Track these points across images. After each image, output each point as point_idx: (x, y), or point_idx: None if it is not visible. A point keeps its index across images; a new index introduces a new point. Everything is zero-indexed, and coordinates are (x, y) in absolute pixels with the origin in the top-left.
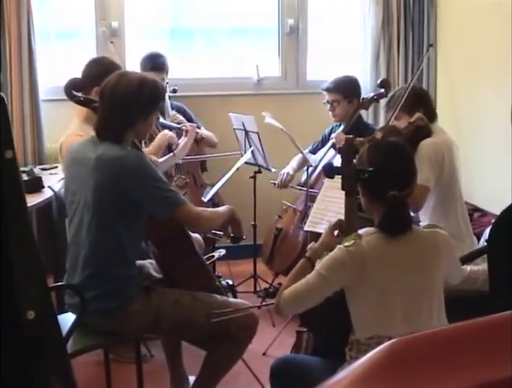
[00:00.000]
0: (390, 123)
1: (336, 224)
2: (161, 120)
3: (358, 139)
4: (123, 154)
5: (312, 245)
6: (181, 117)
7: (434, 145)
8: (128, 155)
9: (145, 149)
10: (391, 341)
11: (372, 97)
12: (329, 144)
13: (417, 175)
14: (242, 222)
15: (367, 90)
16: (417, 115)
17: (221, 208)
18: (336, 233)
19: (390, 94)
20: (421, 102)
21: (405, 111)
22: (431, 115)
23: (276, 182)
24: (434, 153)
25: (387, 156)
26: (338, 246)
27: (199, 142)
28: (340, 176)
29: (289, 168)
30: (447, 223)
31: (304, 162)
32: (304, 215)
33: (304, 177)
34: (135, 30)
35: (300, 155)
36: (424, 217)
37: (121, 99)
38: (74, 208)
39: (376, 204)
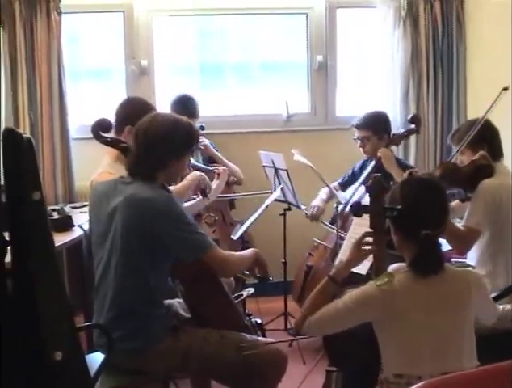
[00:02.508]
0: (455, 158)
1: (361, 238)
2: (193, 161)
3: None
4: (152, 196)
5: (337, 263)
6: (206, 141)
7: (493, 187)
8: (158, 197)
9: (173, 187)
10: (422, 383)
11: (403, 133)
12: (360, 180)
13: (470, 217)
14: (267, 263)
15: (396, 126)
16: (481, 153)
17: (247, 252)
18: (365, 243)
19: (455, 128)
20: (486, 138)
21: (470, 146)
22: (496, 154)
23: (308, 214)
24: (492, 196)
25: (419, 193)
26: (370, 282)
27: (231, 185)
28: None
29: (319, 201)
30: (495, 266)
31: (332, 195)
32: (335, 252)
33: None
34: (164, 67)
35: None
36: (472, 256)
37: (155, 138)
38: (102, 250)
39: (408, 243)
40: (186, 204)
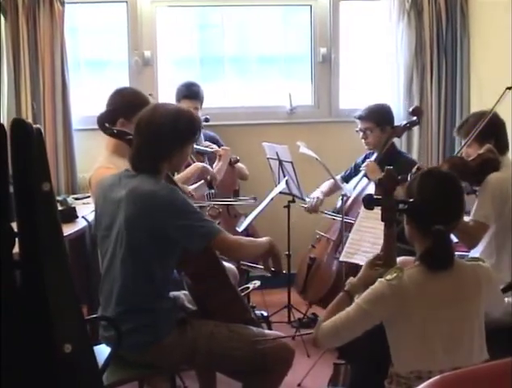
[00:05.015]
0: (462, 150)
1: (375, 258)
2: (194, 145)
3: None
4: (155, 189)
5: (351, 279)
6: (214, 146)
7: (501, 180)
8: (161, 189)
9: (175, 177)
10: (434, 378)
11: (405, 125)
12: (362, 173)
13: (477, 211)
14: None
15: (400, 118)
16: (487, 146)
17: (261, 239)
18: (377, 264)
19: (463, 120)
20: (494, 132)
21: (477, 139)
22: (502, 147)
23: (306, 206)
24: (500, 189)
25: (438, 187)
26: (379, 279)
27: (234, 164)
28: (379, 207)
29: (318, 192)
30: (499, 259)
31: (335, 188)
32: (338, 244)
33: (338, 205)
34: (167, 59)
35: (330, 180)
36: (477, 248)
37: (157, 130)
38: (107, 243)
39: (420, 236)
40: (189, 188)
